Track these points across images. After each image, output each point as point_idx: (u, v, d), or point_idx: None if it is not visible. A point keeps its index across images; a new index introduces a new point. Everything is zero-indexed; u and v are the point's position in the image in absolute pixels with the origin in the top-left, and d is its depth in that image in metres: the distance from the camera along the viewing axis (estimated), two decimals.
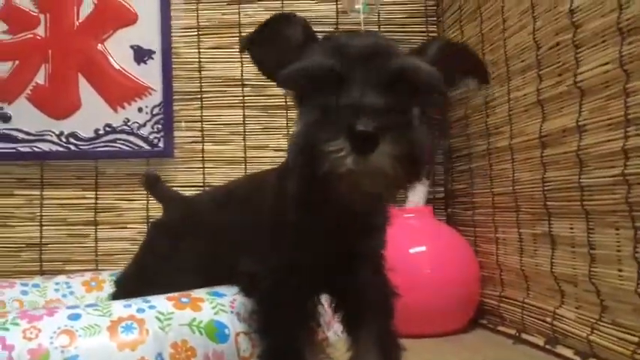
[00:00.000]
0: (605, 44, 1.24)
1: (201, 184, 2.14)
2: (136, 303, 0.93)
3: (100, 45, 2.07)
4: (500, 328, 1.72)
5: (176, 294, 0.99)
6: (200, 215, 1.19)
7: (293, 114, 2.19)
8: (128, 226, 2.10)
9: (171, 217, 1.33)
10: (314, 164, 0.64)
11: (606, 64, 1.24)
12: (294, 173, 0.74)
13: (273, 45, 0.79)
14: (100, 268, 2.03)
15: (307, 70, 0.71)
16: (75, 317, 0.87)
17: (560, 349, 1.39)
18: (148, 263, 1.26)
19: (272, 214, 0.92)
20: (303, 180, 0.71)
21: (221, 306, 0.97)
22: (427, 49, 0.80)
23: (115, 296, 1.25)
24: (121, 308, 0.91)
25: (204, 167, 2.16)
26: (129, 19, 2.09)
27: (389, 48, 0.73)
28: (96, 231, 2.09)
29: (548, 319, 1.47)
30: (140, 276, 1.25)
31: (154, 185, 1.43)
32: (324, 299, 0.99)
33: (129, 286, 1.24)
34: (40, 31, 2.06)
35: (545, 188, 1.48)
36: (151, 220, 2.07)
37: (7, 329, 0.83)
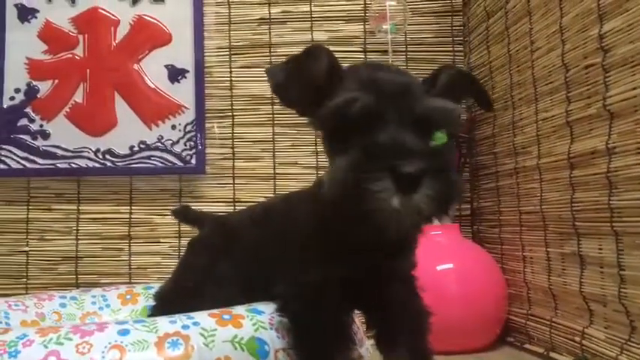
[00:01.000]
0: (635, 69, 1.26)
1: (232, 200, 2.19)
2: (181, 319, 0.97)
3: (135, 64, 2.14)
4: (527, 346, 1.73)
5: (217, 311, 1.02)
6: (237, 232, 1.23)
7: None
8: (161, 240, 2.16)
9: (208, 234, 1.36)
10: (357, 201, 0.68)
11: (635, 88, 1.26)
12: (331, 205, 0.76)
13: (300, 83, 0.81)
14: (133, 281, 2.08)
15: (343, 109, 0.72)
16: (124, 333, 0.90)
17: None
18: (186, 278, 1.30)
19: (306, 234, 0.95)
20: (342, 213, 0.73)
21: (261, 323, 1.00)
22: (438, 79, 0.83)
23: (155, 310, 1.29)
24: (166, 324, 0.94)
25: (234, 183, 2.20)
26: (163, 39, 2.15)
27: (416, 86, 0.77)
28: (129, 245, 2.15)
29: (577, 339, 1.48)
30: (178, 291, 1.28)
31: (186, 215, 1.48)
32: (358, 316, 1.02)
33: (168, 301, 1.27)
34: (79, 51, 2.14)
35: (574, 208, 1.50)
36: (183, 234, 2.12)
37: (61, 344, 0.87)
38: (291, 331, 0.95)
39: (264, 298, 1.08)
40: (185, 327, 0.94)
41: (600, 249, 1.41)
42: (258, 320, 1.01)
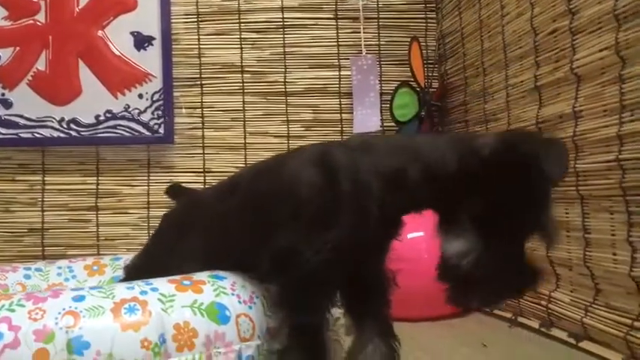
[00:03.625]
0: (602, 31, 1.25)
1: (202, 170, 2.16)
2: (139, 285, 0.95)
3: (100, 31, 2.08)
4: (496, 312, 1.75)
5: (178, 277, 1.00)
6: (205, 205, 1.21)
7: (292, 100, 2.20)
8: (129, 211, 2.12)
9: (180, 208, 1.34)
10: None
11: (602, 50, 1.25)
12: None
13: None
14: (101, 252, 2.05)
15: None
16: (79, 299, 0.88)
17: (555, 332, 1.41)
18: (156, 252, 1.28)
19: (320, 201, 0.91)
20: None
21: (222, 288, 0.98)
22: None
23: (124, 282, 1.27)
24: (124, 290, 0.93)
25: (204, 153, 2.17)
26: (129, 5, 2.09)
27: None
28: (97, 216, 2.11)
29: (544, 303, 1.49)
30: (149, 264, 1.26)
31: (177, 192, 1.44)
32: None
33: (138, 274, 1.25)
34: (41, 17, 2.06)
35: None
36: (152, 205, 2.09)
37: (12, 310, 0.85)
38: (288, 289, 0.92)
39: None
40: (143, 293, 0.93)
41: (567, 213, 1.41)
42: (219, 286, 0.99)
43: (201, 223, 1.17)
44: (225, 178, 1.29)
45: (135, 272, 1.30)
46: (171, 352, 0.87)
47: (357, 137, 0.98)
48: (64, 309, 0.86)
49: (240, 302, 0.98)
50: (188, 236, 1.19)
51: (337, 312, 1.11)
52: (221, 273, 1.04)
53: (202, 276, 1.02)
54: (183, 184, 2.05)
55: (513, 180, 0.79)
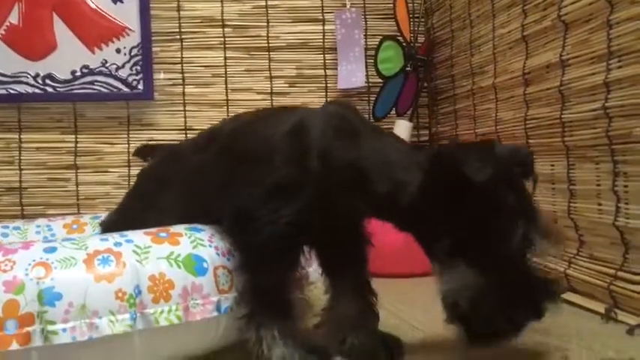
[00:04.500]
0: None
1: (183, 128, 2.12)
2: (113, 237, 0.92)
3: None
4: None
5: (154, 229, 0.98)
6: (181, 159, 1.18)
7: (275, 55, 2.15)
8: (109, 169, 2.08)
9: (156, 163, 1.31)
10: None
11: None
12: None
13: None
14: (81, 212, 2.01)
15: None
16: (51, 250, 0.86)
17: None
18: (131, 207, 1.26)
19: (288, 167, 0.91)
20: None
21: (199, 240, 0.96)
22: None
23: None
24: (97, 242, 0.90)
25: (185, 110, 2.12)
26: None
27: None
28: (76, 175, 2.06)
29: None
30: (125, 220, 1.24)
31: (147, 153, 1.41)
32: None
33: (115, 229, 1.23)
34: None
35: (528, 126, 1.48)
36: (133, 164, 2.05)
37: None
38: (248, 250, 0.93)
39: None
40: (117, 244, 0.90)
41: (552, 165, 1.40)
42: (196, 237, 0.97)
43: (179, 176, 1.14)
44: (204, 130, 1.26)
45: (111, 228, 1.27)
46: (147, 303, 0.85)
47: (341, 111, 0.95)
48: (34, 260, 0.83)
49: (218, 254, 0.96)
50: (166, 190, 1.16)
51: (313, 276, 1.11)
52: (199, 225, 1.02)
53: (180, 228, 0.99)
54: (165, 142, 2.03)
55: (459, 191, 0.77)
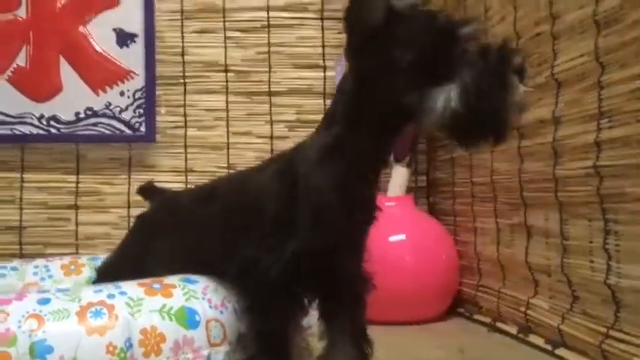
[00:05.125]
0: (582, 36, 1.25)
1: (184, 170, 2.14)
2: (107, 288, 0.93)
3: (82, 27, 2.05)
4: (476, 316, 1.74)
5: (148, 280, 0.99)
6: (181, 209, 1.20)
7: (276, 100, 2.18)
8: (109, 210, 2.10)
9: (154, 210, 1.32)
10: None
11: (582, 55, 1.24)
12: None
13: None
14: (80, 252, 2.02)
15: None
16: (44, 302, 0.87)
17: (533, 338, 1.41)
18: (128, 254, 1.27)
19: (282, 207, 0.92)
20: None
21: (193, 292, 0.97)
22: None
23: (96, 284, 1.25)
24: (91, 294, 0.91)
25: (186, 152, 2.15)
26: (111, 1, 2.07)
27: None
28: (76, 215, 2.08)
29: (522, 309, 1.48)
30: (120, 267, 1.25)
31: (150, 191, 1.41)
32: None
33: (108, 275, 1.24)
34: (22, 12, 2.03)
35: (522, 179, 1.49)
36: (133, 204, 2.07)
37: None
38: (252, 297, 0.93)
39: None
40: (110, 296, 0.91)
41: (546, 219, 1.41)
42: (190, 289, 0.98)
43: (178, 227, 1.16)
44: (204, 182, 1.28)
45: (107, 273, 1.28)
46: (137, 357, 0.86)
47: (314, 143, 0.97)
48: (27, 312, 0.84)
49: (211, 307, 0.97)
50: (163, 239, 1.18)
51: (310, 321, 1.11)
52: (193, 277, 1.03)
53: (174, 279, 1.00)
54: (165, 184, 2.05)
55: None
